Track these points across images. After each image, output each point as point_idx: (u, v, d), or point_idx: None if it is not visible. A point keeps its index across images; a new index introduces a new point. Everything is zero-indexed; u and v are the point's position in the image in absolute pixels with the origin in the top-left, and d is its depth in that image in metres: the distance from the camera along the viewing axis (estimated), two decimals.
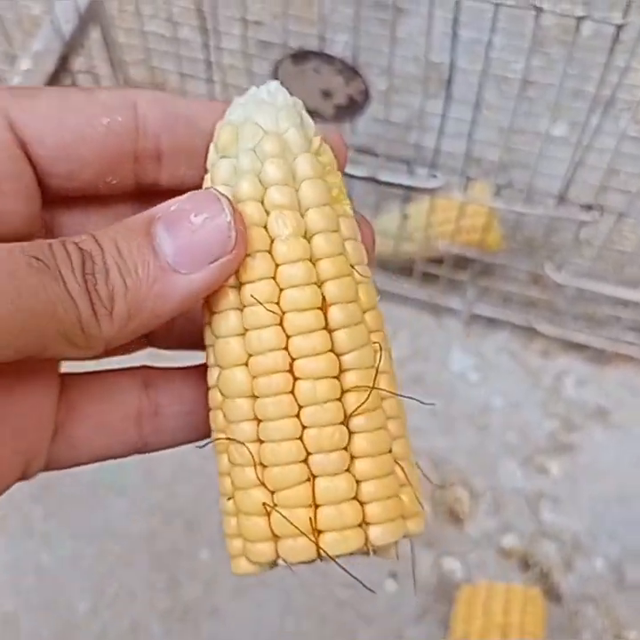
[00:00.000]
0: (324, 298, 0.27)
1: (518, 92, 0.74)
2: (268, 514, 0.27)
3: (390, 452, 0.28)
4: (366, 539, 0.27)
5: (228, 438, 0.27)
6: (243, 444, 0.27)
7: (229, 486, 0.28)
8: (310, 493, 0.27)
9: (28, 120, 0.27)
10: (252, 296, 0.26)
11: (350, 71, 0.75)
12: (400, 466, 0.28)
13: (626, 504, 0.97)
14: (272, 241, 0.27)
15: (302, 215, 0.27)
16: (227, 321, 0.27)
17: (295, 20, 1.18)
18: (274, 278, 0.27)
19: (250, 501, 0.27)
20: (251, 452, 0.27)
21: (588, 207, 0.84)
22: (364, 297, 0.28)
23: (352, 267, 0.28)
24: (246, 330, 0.27)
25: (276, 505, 0.27)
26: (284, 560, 0.27)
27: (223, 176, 0.27)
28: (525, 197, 0.85)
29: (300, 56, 0.76)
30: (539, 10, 0.66)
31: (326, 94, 0.78)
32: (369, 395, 0.27)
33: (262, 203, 0.27)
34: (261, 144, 0.27)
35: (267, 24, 1.22)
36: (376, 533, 0.27)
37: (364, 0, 0.70)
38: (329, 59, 0.76)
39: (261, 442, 0.27)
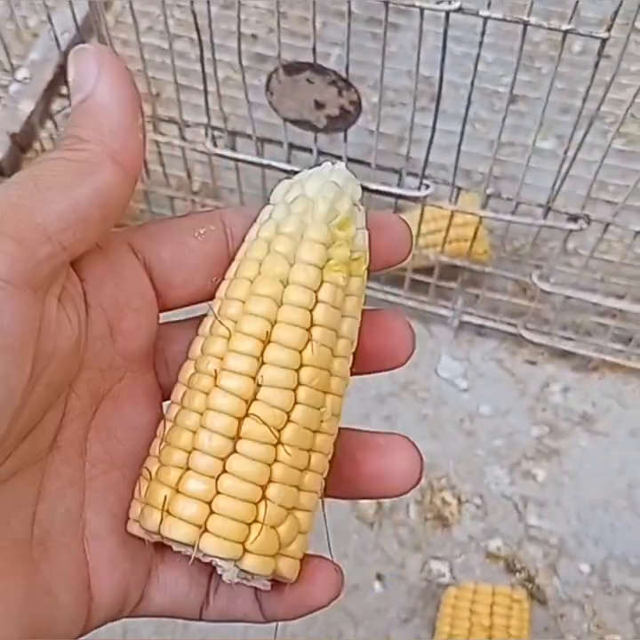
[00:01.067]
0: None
1: (507, 106, 0.76)
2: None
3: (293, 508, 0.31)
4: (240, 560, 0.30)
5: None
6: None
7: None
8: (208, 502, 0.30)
9: (144, 243, 0.33)
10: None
11: (343, 82, 0.77)
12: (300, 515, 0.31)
13: (611, 509, 0.99)
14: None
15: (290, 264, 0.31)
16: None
17: (290, 34, 1.20)
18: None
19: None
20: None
21: (575, 217, 0.86)
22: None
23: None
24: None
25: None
26: (161, 534, 0.30)
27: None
28: (514, 207, 0.87)
29: (294, 67, 0.78)
30: (527, 24, 0.68)
31: (319, 105, 0.80)
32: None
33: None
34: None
35: (262, 38, 1.24)
36: (251, 561, 0.30)
37: (357, 15, 0.72)
38: (322, 70, 0.77)
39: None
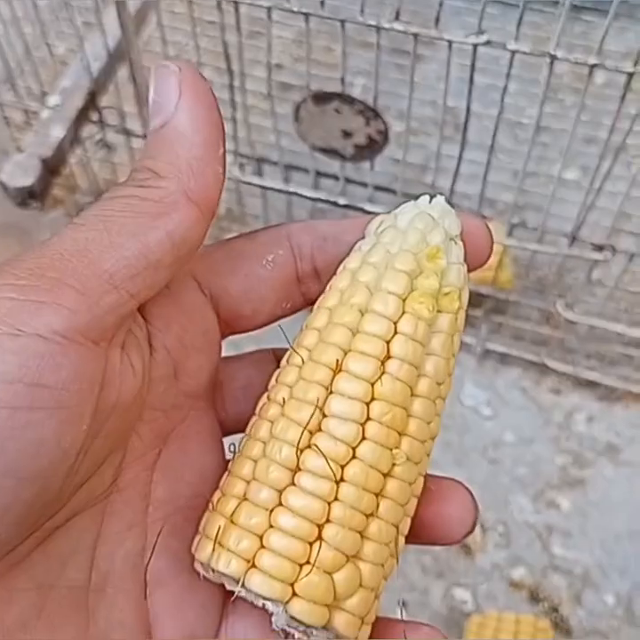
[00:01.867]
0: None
1: (532, 137, 0.76)
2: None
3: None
4: (288, 602, 0.27)
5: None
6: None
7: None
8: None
9: (210, 277, 0.31)
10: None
11: (371, 112, 0.78)
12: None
13: (636, 539, 0.98)
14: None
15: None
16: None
17: (314, 63, 1.21)
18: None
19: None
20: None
21: (600, 247, 0.86)
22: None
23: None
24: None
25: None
26: (212, 567, 0.28)
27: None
28: (538, 237, 0.87)
29: (322, 97, 0.79)
30: (553, 57, 0.69)
31: (346, 134, 0.81)
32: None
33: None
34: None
35: (287, 67, 1.25)
36: (299, 606, 0.27)
37: (381, 46, 0.73)
38: (350, 100, 0.78)
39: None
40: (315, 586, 0.27)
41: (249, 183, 0.94)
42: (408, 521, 0.30)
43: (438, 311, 0.29)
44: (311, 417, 0.28)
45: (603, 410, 1.06)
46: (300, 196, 0.92)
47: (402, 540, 0.30)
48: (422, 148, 1.16)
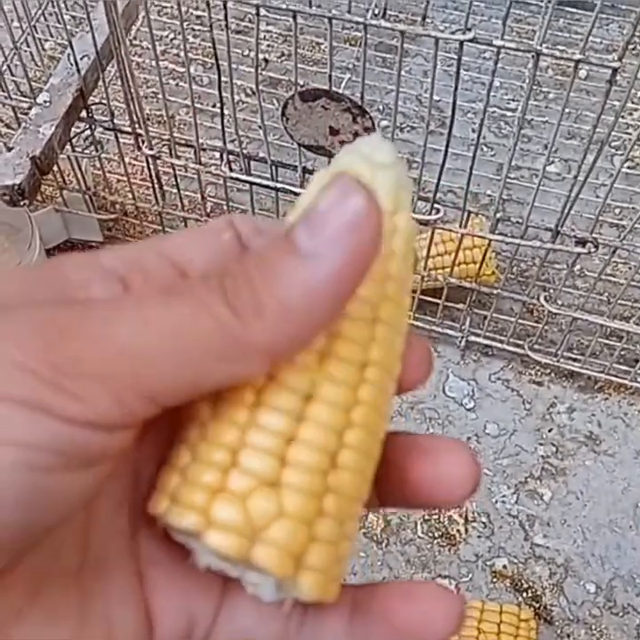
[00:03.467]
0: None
1: (517, 132, 0.78)
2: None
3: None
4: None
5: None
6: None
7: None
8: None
9: (174, 250, 0.29)
10: None
11: (357, 109, 0.79)
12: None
13: (617, 529, 1.00)
14: None
15: None
16: None
17: (300, 59, 1.22)
18: None
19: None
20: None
21: (583, 241, 0.87)
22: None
23: None
24: None
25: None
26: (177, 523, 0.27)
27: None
28: (522, 231, 0.89)
29: (310, 93, 0.80)
30: (538, 52, 0.70)
31: (334, 131, 0.82)
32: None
33: None
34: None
35: (273, 62, 1.26)
36: (214, 537, 0.26)
37: (367, 41, 0.73)
38: (337, 97, 0.79)
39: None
40: (227, 512, 0.25)
41: (236, 179, 0.95)
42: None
43: None
44: None
45: (584, 401, 1.08)
46: (288, 191, 0.93)
47: (346, 475, 0.27)
48: (407, 143, 1.17)
